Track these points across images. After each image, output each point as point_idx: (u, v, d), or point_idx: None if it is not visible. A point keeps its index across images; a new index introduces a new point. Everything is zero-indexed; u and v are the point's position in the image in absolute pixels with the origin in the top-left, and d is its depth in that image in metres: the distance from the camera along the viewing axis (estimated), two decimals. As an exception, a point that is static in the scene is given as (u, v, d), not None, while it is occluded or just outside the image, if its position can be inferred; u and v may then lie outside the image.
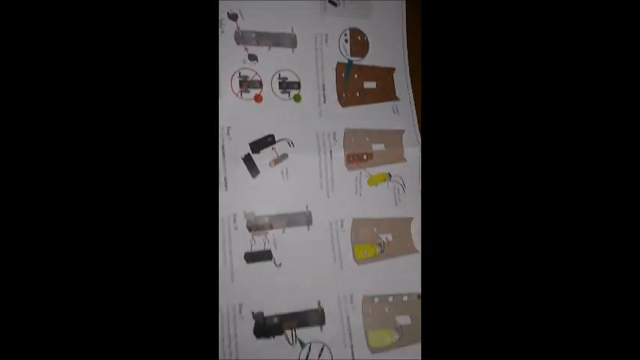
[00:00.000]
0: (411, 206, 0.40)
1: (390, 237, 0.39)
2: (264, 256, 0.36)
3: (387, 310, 0.36)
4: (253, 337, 0.34)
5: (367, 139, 0.40)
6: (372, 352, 0.35)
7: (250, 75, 0.39)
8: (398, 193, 0.40)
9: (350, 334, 0.35)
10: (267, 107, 0.39)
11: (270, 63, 0.39)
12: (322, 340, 0.34)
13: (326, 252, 0.37)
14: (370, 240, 0.38)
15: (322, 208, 0.38)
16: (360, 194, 0.39)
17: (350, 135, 0.40)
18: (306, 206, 0.38)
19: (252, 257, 0.36)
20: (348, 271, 0.37)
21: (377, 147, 0.40)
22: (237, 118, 0.38)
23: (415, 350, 0.35)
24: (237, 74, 0.38)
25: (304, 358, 0.34)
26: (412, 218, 0.39)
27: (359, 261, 0.37)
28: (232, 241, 0.36)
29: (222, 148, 0.37)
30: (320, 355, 0.34)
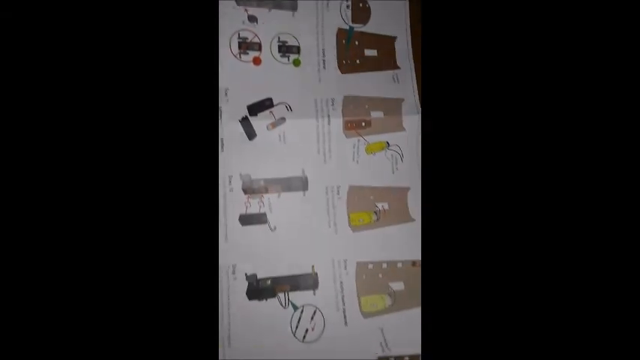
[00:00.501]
0: (408, 175, 0.39)
1: (386, 205, 0.38)
2: (259, 219, 0.36)
3: (380, 276, 0.36)
4: (245, 298, 0.33)
5: (366, 106, 0.40)
6: (364, 317, 0.35)
7: (249, 37, 0.38)
8: (395, 162, 0.39)
9: (342, 299, 0.35)
10: (265, 70, 0.38)
11: (270, 25, 0.38)
12: (315, 303, 0.34)
13: (321, 218, 0.37)
14: (366, 208, 0.38)
15: (319, 174, 0.37)
16: (358, 161, 0.39)
17: (349, 102, 0.39)
18: (303, 171, 0.37)
19: (247, 219, 0.36)
20: (342, 238, 0.36)
21: (376, 114, 0.40)
22: (235, 79, 0.37)
23: (408, 315, 0.35)
24: (236, 35, 0.38)
25: (297, 321, 0.34)
26: (409, 188, 0.39)
27: (354, 228, 0.37)
28: (227, 203, 0.35)
29: (220, 109, 0.37)
30: (312, 319, 0.34)
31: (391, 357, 0.34)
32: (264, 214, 0.36)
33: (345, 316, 0.34)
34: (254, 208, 0.36)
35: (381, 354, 0.34)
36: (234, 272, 0.34)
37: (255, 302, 0.34)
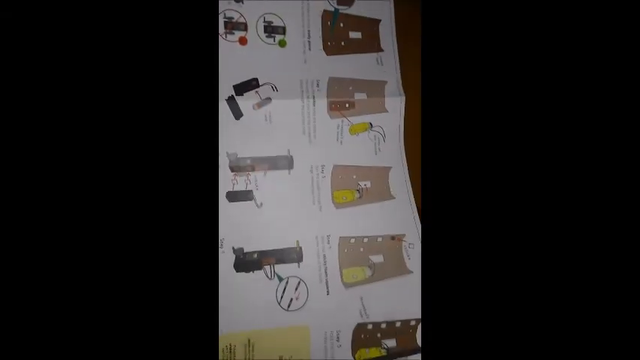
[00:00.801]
0: (390, 156, 0.41)
1: (368, 184, 0.40)
2: (246, 196, 0.37)
3: (361, 249, 0.38)
4: (233, 270, 0.35)
5: (350, 88, 0.41)
6: (346, 288, 0.37)
7: (235, 17, 0.38)
8: (378, 143, 0.41)
9: (325, 271, 0.37)
10: (251, 50, 0.39)
11: (256, 6, 0.39)
12: (299, 275, 0.36)
13: (306, 195, 0.38)
14: (349, 186, 0.40)
15: (304, 154, 0.39)
16: (342, 142, 0.40)
17: (333, 83, 0.40)
18: (288, 150, 0.39)
19: (234, 196, 0.37)
20: (326, 214, 0.38)
21: (359, 96, 0.41)
22: (221, 59, 0.38)
23: (386, 285, 0.37)
24: (222, 15, 0.38)
25: (282, 291, 0.35)
26: (391, 167, 0.41)
27: (338, 205, 0.39)
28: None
29: (206, 88, 0.37)
30: (296, 289, 0.36)
31: (369, 323, 0.36)
32: (251, 192, 0.37)
33: (327, 287, 0.36)
34: (241, 185, 0.37)
35: (360, 320, 0.36)
36: (221, 246, 0.35)
37: (242, 274, 0.35)
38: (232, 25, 0.38)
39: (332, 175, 0.39)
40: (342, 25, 0.41)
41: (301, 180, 0.38)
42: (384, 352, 0.36)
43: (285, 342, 0.34)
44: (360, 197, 0.40)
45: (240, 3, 0.39)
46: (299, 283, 0.36)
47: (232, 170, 0.37)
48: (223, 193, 0.37)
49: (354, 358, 0.35)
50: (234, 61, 0.38)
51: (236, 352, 0.33)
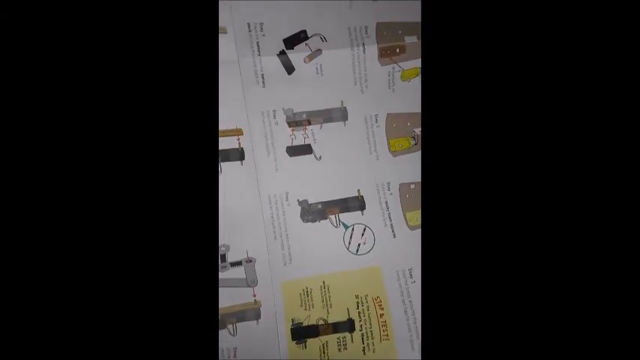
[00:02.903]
0: (442, 100, 0.40)
1: (422, 130, 0.40)
2: (305, 149, 0.38)
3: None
4: (300, 220, 0.37)
5: (400, 32, 0.40)
6: (411, 230, 0.38)
7: (279, -33, 0.37)
8: (430, 88, 0.40)
9: (389, 216, 0.38)
10: (297, 2, 0.38)
11: (298, -47, 0.38)
12: (363, 222, 0.38)
13: (362, 145, 0.39)
14: (404, 134, 0.40)
15: (357, 104, 0.39)
16: (394, 90, 0.40)
17: (382, 28, 0.39)
18: (342, 102, 0.39)
19: (293, 151, 0.38)
20: (384, 162, 0.39)
21: (410, 39, 0.40)
22: (269, 14, 0.37)
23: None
24: (265, -34, 0.37)
25: (349, 237, 0.37)
26: (444, 112, 0.40)
27: (394, 153, 0.39)
28: (274, 136, 0.37)
29: (257, 44, 0.37)
30: (363, 235, 0.37)
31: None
32: (309, 145, 0.38)
33: (393, 230, 0.37)
34: (299, 139, 0.38)
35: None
36: (287, 199, 0.37)
37: (309, 224, 0.37)
38: (276, -24, 0.37)
39: (386, 124, 0.39)
40: (386, -35, 0.40)
41: (356, 131, 0.39)
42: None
43: (358, 282, 0.36)
44: (415, 144, 0.40)
45: (282, -49, 0.37)
46: (364, 229, 0.37)
47: (289, 125, 0.38)
48: (283, 148, 0.38)
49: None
50: (281, 14, 0.37)
51: (313, 294, 0.36)
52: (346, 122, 0.39)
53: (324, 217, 0.37)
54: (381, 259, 0.37)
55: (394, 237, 0.37)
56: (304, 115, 0.38)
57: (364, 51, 0.39)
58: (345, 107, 0.39)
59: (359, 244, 0.37)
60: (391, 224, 0.38)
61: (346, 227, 0.37)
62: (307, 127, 0.38)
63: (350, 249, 0.37)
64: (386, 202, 0.38)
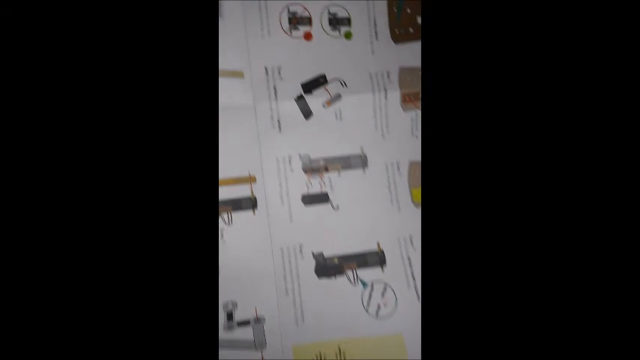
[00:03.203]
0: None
1: (447, 179, 0.37)
2: (322, 198, 0.36)
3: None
4: (314, 276, 0.34)
5: (423, 77, 0.38)
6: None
7: (299, 11, 0.37)
8: (455, 134, 0.38)
9: (412, 275, 0.35)
10: (317, 46, 0.37)
11: (320, -3, 0.37)
12: (384, 280, 0.34)
13: (383, 194, 0.36)
14: (427, 182, 0.37)
15: (378, 150, 0.37)
16: (417, 136, 0.37)
17: (405, 73, 0.38)
18: (361, 148, 0.37)
19: (309, 199, 0.36)
20: (406, 213, 0.36)
21: (434, 85, 0.38)
22: (287, 57, 0.36)
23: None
24: (285, 10, 0.36)
25: (367, 297, 0.34)
26: (470, 160, 0.38)
27: (417, 203, 0.36)
28: (289, 183, 0.35)
29: (274, 89, 0.36)
30: (383, 295, 0.34)
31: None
32: (326, 194, 0.36)
33: (416, 292, 0.34)
34: (315, 187, 0.36)
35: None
36: (301, 252, 0.34)
37: (324, 280, 0.34)
38: (297, 20, 0.37)
39: (409, 172, 0.37)
40: (408, 10, 0.39)
41: (377, 179, 0.36)
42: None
43: (378, 350, 0.32)
44: (439, 194, 0.37)
45: (304, -4, 0.37)
46: (385, 288, 0.34)
47: (306, 172, 0.36)
48: (298, 196, 0.35)
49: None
50: (300, 58, 0.36)
51: (327, 362, 0.32)
52: (366, 170, 0.37)
53: (341, 273, 0.34)
54: (403, 325, 0.33)
55: (418, 299, 0.34)
56: (321, 162, 0.36)
57: (386, 96, 0.37)
58: (365, 154, 0.37)
59: (379, 306, 0.34)
60: (414, 284, 0.34)
61: (365, 285, 0.34)
62: (324, 175, 0.36)
63: (369, 310, 0.34)
64: (408, 259, 0.35)
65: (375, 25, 0.38)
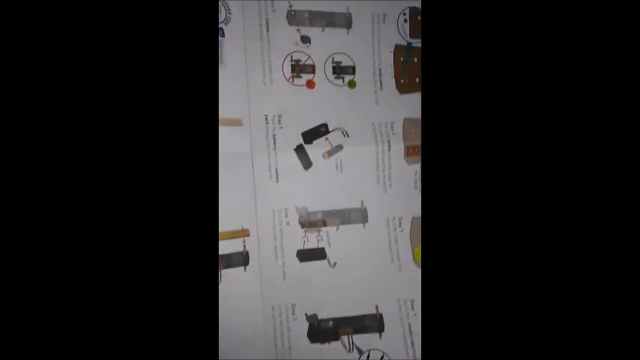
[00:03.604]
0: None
1: (452, 237, 0.35)
2: (318, 254, 0.34)
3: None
4: (307, 340, 0.32)
5: (428, 129, 0.37)
6: (437, 364, 0.32)
7: (303, 59, 0.36)
8: (461, 189, 0.37)
9: (412, 344, 0.32)
10: (320, 94, 0.36)
11: (324, 45, 0.36)
12: (382, 348, 0.32)
13: (383, 252, 0.34)
14: (430, 240, 0.35)
15: (379, 205, 0.35)
16: (420, 191, 0.36)
17: (409, 125, 0.37)
18: (362, 202, 0.35)
19: (305, 255, 0.34)
20: (407, 274, 0.34)
21: (439, 138, 0.37)
22: (288, 105, 0.35)
23: None
24: (288, 58, 0.35)
25: (362, 366, 0.31)
26: (477, 217, 0.36)
27: (419, 263, 0.34)
28: (284, 237, 0.33)
29: (274, 137, 0.35)
30: (379, 364, 0.32)
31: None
32: (323, 249, 0.34)
33: (416, 364, 0.32)
34: (312, 242, 0.34)
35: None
36: (293, 312, 0.32)
37: (317, 345, 0.32)
38: (300, 68, 0.36)
39: (411, 229, 0.35)
40: (415, 60, 0.38)
41: (377, 235, 0.34)
42: None
43: None
44: (443, 252, 0.35)
45: (308, 44, 0.36)
46: (382, 357, 0.32)
47: (302, 226, 0.34)
48: (294, 251, 0.34)
49: None
50: (301, 106, 0.35)
51: None
52: (366, 225, 0.35)
53: (336, 338, 0.32)
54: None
55: (418, 373, 0.32)
56: (319, 215, 0.35)
57: (389, 148, 0.36)
58: (365, 208, 0.35)
59: (375, 378, 0.32)
60: (414, 354, 0.32)
61: (360, 353, 0.32)
62: (322, 229, 0.34)
63: (364, 383, 0.31)
64: (409, 325, 0.33)
65: (381, 74, 0.37)
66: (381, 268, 0.34)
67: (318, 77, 0.36)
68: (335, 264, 0.33)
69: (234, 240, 0.32)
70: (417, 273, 0.34)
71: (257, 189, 0.34)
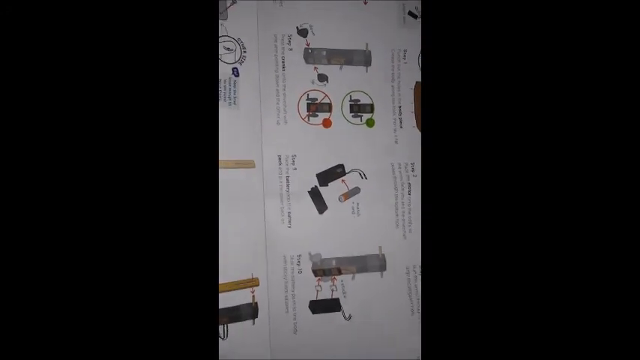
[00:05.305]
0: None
1: (478, 288, 0.33)
2: (332, 306, 0.32)
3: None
4: (319, 404, 0.29)
5: (451, 170, 0.35)
6: None
7: (319, 97, 0.35)
8: (487, 236, 0.34)
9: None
10: (336, 133, 0.34)
11: (342, 83, 0.35)
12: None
13: (403, 303, 0.32)
14: (454, 291, 0.33)
15: (398, 252, 0.32)
16: (443, 236, 0.34)
17: (431, 166, 0.35)
18: (380, 248, 0.33)
19: (317, 307, 0.31)
20: (429, 329, 0.31)
21: (464, 181, 0.35)
22: (303, 145, 0.33)
23: None
24: (305, 96, 0.34)
25: None
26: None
27: (442, 317, 0.32)
28: (296, 287, 0.31)
29: (287, 179, 0.33)
30: None
31: None
32: (337, 300, 0.32)
33: None
34: (325, 292, 0.32)
35: None
36: (305, 371, 0.30)
37: (330, 409, 0.29)
38: (316, 107, 0.34)
39: (433, 278, 0.33)
40: (437, 96, 0.36)
41: (396, 284, 0.32)
42: None
43: None
44: (468, 305, 0.32)
45: (325, 82, 0.35)
46: None
47: (316, 274, 0.32)
48: (306, 302, 0.31)
49: None
50: (317, 146, 0.34)
51: None
52: (384, 273, 0.32)
53: (350, 402, 0.30)
54: None
55: None
56: (334, 262, 0.32)
57: (409, 191, 0.34)
58: (383, 254, 0.33)
59: None
60: None
61: (377, 419, 0.29)
62: (336, 278, 0.32)
63: None
64: (431, 389, 0.30)
65: (400, 112, 0.35)
66: (400, 321, 0.31)
67: (334, 116, 0.34)
68: (350, 316, 0.31)
69: (242, 291, 0.31)
70: (439, 329, 0.31)
71: (268, 234, 0.32)
